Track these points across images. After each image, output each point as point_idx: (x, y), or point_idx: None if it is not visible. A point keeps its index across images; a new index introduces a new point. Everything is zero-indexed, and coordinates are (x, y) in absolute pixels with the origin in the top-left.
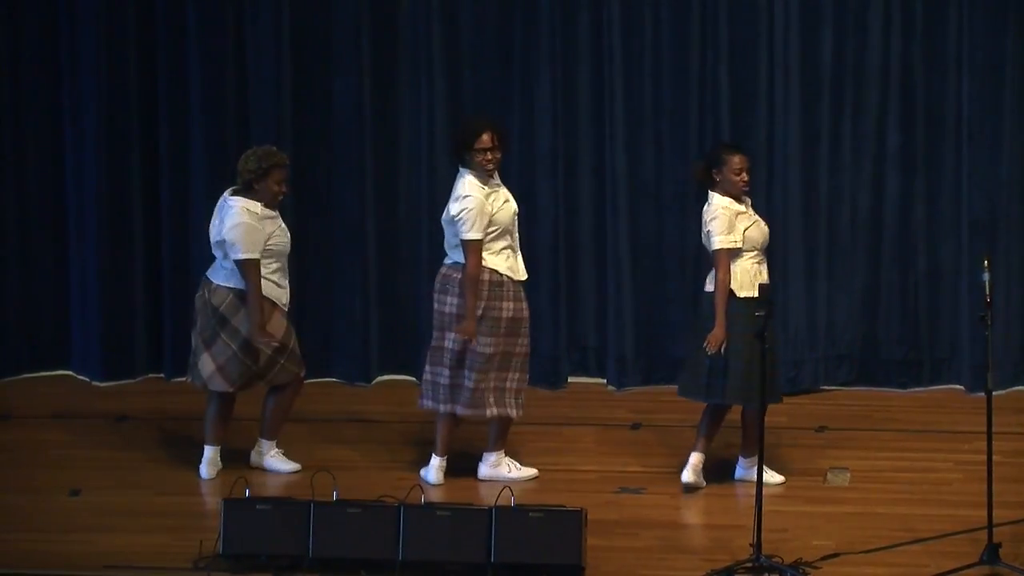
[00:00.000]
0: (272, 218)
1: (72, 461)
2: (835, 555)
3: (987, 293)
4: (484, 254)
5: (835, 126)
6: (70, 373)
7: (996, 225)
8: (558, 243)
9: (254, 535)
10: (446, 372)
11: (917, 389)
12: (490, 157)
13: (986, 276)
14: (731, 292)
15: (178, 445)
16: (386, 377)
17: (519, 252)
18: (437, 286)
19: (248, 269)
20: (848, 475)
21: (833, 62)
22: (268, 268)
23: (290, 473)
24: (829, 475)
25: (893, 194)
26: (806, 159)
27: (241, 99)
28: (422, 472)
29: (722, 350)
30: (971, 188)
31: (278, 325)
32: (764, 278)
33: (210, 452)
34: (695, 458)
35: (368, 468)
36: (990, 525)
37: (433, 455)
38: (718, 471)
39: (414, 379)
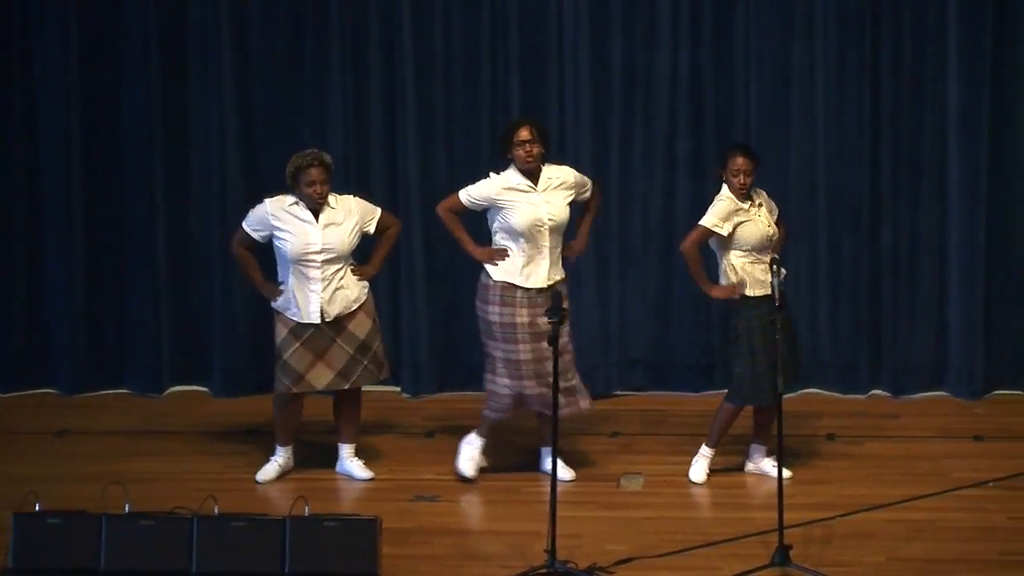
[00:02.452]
0: (301, 220)
1: None
2: (629, 559)
3: (776, 297)
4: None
5: (625, 132)
6: None
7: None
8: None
9: (45, 549)
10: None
11: (710, 393)
12: (530, 149)
13: (775, 280)
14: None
15: None
16: (178, 388)
17: (537, 260)
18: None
19: (237, 232)
20: (642, 480)
21: (623, 69)
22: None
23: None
24: (623, 480)
25: (684, 200)
26: (597, 165)
27: (29, 111)
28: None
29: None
30: None
31: (277, 332)
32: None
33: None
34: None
35: (161, 480)
36: (781, 527)
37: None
38: (514, 476)
39: (206, 390)
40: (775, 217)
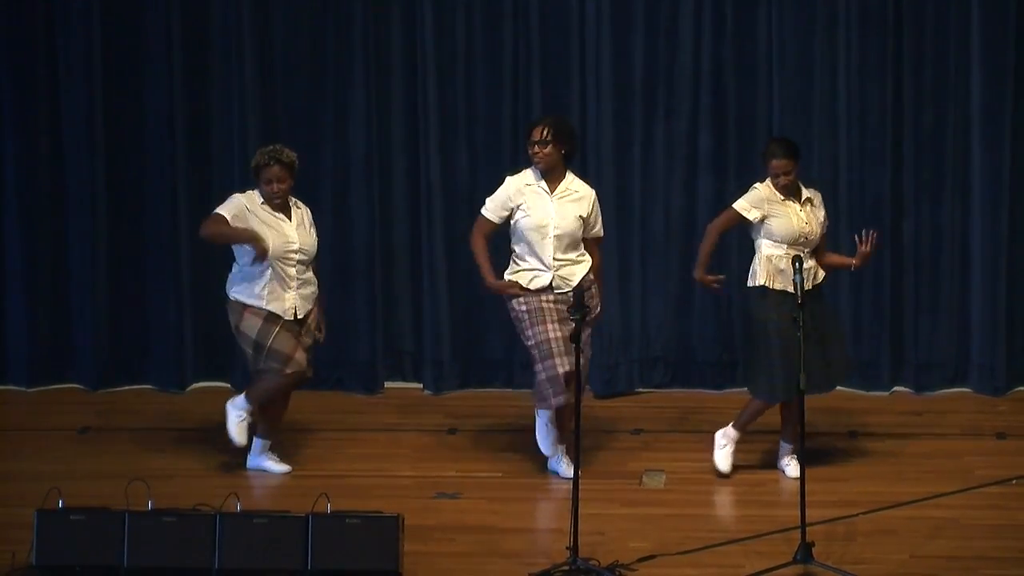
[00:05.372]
0: (277, 218)
1: None
2: (651, 557)
3: (799, 293)
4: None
5: (647, 130)
6: None
7: None
8: (373, 248)
9: (68, 546)
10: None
11: (731, 390)
12: (538, 150)
13: (799, 277)
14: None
15: None
16: (201, 384)
17: (539, 268)
18: None
19: (211, 216)
20: (664, 477)
21: (644, 66)
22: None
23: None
24: (645, 477)
25: (706, 197)
26: (619, 163)
27: (52, 108)
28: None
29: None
30: None
31: (249, 325)
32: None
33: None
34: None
35: (184, 476)
36: (803, 524)
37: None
38: (536, 473)
39: (229, 385)
40: (823, 222)
